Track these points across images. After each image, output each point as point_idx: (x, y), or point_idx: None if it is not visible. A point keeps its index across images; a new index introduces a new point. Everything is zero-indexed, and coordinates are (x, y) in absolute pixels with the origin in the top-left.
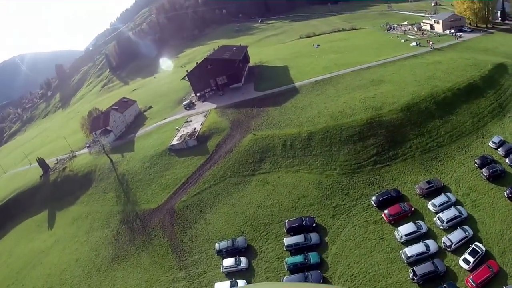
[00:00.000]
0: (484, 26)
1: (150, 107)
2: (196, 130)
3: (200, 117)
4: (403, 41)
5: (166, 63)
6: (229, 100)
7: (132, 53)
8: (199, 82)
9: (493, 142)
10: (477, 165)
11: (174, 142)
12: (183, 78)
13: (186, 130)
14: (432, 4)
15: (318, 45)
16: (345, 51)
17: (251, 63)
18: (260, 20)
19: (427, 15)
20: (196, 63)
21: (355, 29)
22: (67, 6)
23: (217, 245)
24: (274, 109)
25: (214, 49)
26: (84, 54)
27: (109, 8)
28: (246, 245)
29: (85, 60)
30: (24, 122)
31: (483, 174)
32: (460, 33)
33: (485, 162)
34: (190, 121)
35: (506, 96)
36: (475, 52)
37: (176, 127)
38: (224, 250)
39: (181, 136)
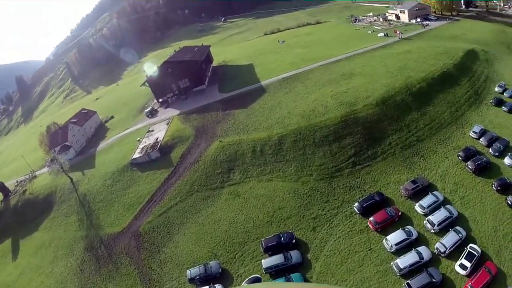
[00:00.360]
0: (449, 14)
1: (112, 117)
2: (158, 140)
3: (162, 125)
4: (369, 32)
5: (151, 69)
6: (193, 104)
7: (94, 60)
8: (160, 87)
9: (473, 132)
10: (461, 158)
11: (136, 155)
12: (143, 84)
13: (148, 141)
14: None
15: (283, 41)
16: (311, 45)
17: (214, 63)
18: (223, 19)
19: (391, 6)
20: (157, 67)
21: (321, 22)
22: (67, 6)
23: (188, 272)
24: (240, 111)
25: (175, 50)
26: (45, 64)
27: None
28: (220, 270)
29: (46, 70)
30: None
31: (468, 168)
32: (427, 22)
33: (469, 154)
34: (152, 130)
35: (480, 82)
36: (443, 40)
37: (138, 138)
38: (196, 277)
39: (142, 148)
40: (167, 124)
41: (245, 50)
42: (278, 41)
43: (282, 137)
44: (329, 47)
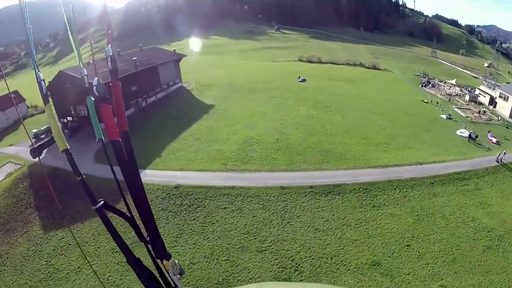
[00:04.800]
0: None
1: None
2: None
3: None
4: (444, 117)
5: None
6: (53, 156)
7: (134, 28)
8: (60, 104)
9: None
10: None
11: None
12: (47, 94)
13: None
14: (485, 65)
15: (303, 79)
16: (338, 107)
17: (187, 82)
18: (276, 27)
19: (483, 79)
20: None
21: (378, 69)
22: None
23: None
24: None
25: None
26: (100, 14)
27: None
28: None
29: (101, 20)
30: (17, 67)
31: None
32: None
33: None
34: None
35: None
36: None
37: None
38: None
39: None
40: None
41: (247, 75)
42: (299, 77)
43: None
44: (363, 126)
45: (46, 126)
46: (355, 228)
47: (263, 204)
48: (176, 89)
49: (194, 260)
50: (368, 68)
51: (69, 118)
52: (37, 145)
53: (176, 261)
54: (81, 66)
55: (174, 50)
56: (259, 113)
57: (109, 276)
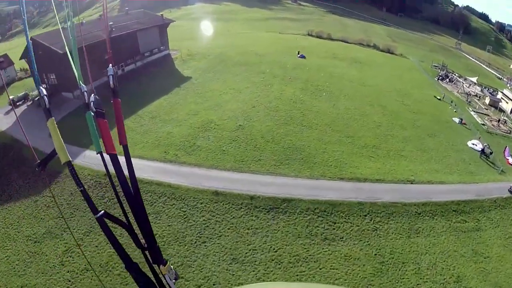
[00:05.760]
0: None
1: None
2: None
3: None
4: (457, 121)
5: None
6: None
7: None
8: (37, 69)
9: None
10: None
11: None
12: (22, 58)
13: None
14: (511, 66)
15: (303, 56)
16: (331, 91)
17: (177, 49)
18: None
19: (507, 81)
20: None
21: (393, 53)
22: None
23: None
24: None
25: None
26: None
27: None
28: None
29: None
30: (29, 25)
31: None
32: None
33: None
34: None
35: None
36: None
37: None
38: None
39: None
40: None
41: (239, 47)
42: (298, 52)
43: None
44: (358, 124)
45: (23, 93)
46: (286, 268)
47: (185, 211)
48: (160, 57)
49: (88, 266)
50: (381, 51)
51: (44, 86)
52: (41, 159)
53: (172, 266)
54: (80, 83)
55: (161, 14)
56: (234, 91)
57: (16, 265)
